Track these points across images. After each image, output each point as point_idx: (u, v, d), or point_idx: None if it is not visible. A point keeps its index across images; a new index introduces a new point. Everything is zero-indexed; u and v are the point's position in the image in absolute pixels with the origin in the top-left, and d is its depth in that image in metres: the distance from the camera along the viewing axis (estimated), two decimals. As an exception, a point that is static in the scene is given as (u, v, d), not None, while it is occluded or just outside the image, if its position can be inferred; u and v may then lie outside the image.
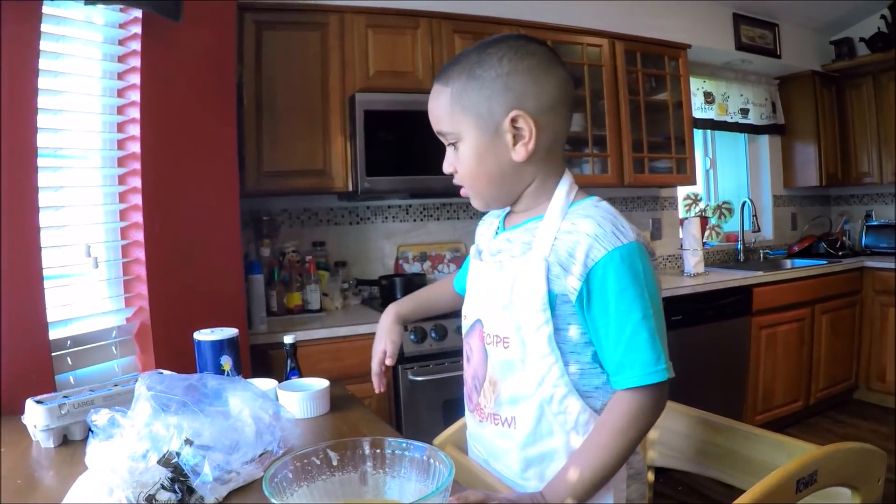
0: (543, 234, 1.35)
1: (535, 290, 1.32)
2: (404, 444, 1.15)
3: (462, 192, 1.46)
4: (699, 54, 5.19)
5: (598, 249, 1.26)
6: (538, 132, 1.32)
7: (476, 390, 1.48)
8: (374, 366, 1.78)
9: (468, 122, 1.33)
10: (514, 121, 1.31)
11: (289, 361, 2.14)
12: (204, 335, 1.95)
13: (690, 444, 1.78)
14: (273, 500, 0.94)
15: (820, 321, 5.09)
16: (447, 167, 1.42)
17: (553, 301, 1.31)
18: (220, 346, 1.95)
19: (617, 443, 1.26)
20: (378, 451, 1.17)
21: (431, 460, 1.10)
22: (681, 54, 4.88)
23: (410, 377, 3.22)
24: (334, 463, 1.15)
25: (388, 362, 1.77)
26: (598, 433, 1.28)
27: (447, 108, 1.35)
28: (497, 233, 1.53)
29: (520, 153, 1.33)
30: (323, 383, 1.95)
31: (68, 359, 2.25)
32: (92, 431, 1.36)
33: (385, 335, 1.79)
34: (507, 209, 1.52)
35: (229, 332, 1.98)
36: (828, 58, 5.98)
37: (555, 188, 1.40)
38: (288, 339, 2.17)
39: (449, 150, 1.41)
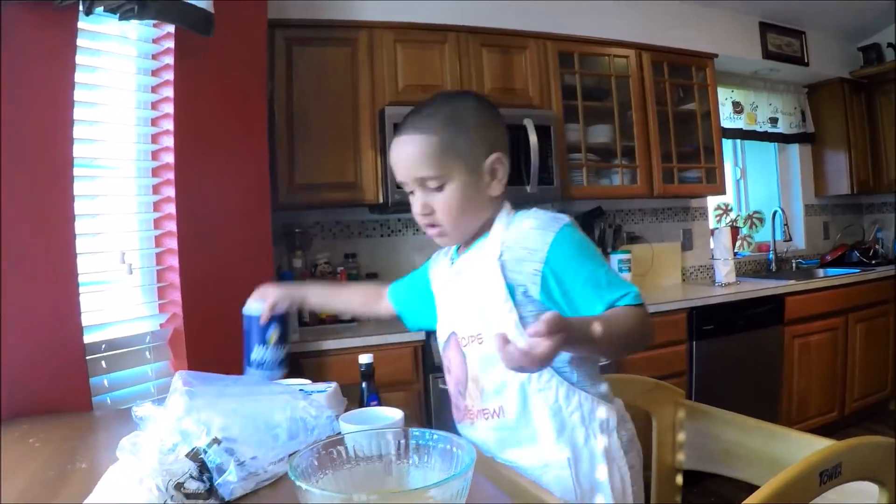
0: (492, 242, 1.55)
1: (495, 285, 1.51)
2: (427, 434, 1.18)
3: (433, 231, 1.60)
4: (727, 64, 5.18)
5: (548, 234, 1.47)
6: (506, 170, 1.57)
7: (461, 395, 1.64)
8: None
9: (458, 165, 1.51)
10: (493, 161, 1.55)
11: (365, 385, 1.91)
12: (252, 309, 1.89)
13: (718, 446, 1.79)
14: (298, 483, 0.97)
15: (854, 330, 5.03)
16: (422, 209, 1.57)
17: (512, 292, 1.50)
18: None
19: (629, 323, 1.39)
20: (402, 441, 1.19)
21: (454, 448, 1.13)
22: (708, 64, 4.89)
23: (441, 386, 3.24)
24: (359, 453, 1.17)
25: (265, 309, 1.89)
26: (613, 316, 1.39)
27: (435, 155, 1.50)
28: (453, 262, 1.70)
29: (496, 189, 1.57)
30: (396, 414, 1.56)
31: (103, 362, 2.30)
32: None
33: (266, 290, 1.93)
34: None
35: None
36: (856, 64, 5.93)
37: (498, 212, 1.60)
38: (364, 359, 1.95)
39: (422, 194, 1.56)
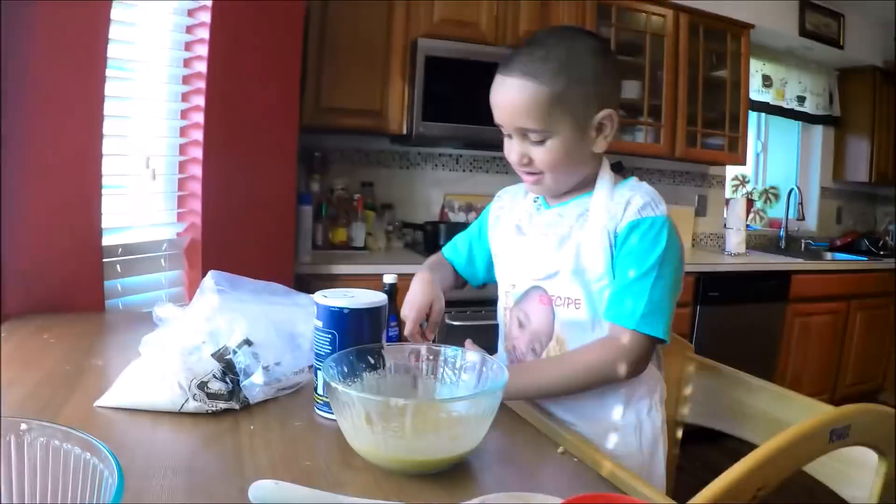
0: (598, 207, 1.46)
1: (599, 256, 1.43)
2: (459, 352, 1.19)
3: (532, 179, 1.49)
4: (762, 36, 5.13)
5: (637, 215, 1.40)
6: (615, 126, 1.44)
7: (534, 354, 1.55)
8: (409, 327, 1.58)
9: (565, 121, 1.39)
10: (603, 118, 1.42)
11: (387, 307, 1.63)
12: (334, 298, 1.23)
13: (722, 403, 1.79)
14: (334, 385, 0.97)
15: (855, 317, 5.07)
16: (519, 157, 1.45)
17: (613, 267, 1.43)
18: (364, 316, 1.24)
19: (580, 380, 1.42)
20: (432, 357, 1.20)
21: (484, 368, 1.14)
22: (744, 33, 4.85)
23: (448, 321, 3.26)
24: (388, 364, 1.18)
25: (428, 334, 1.60)
26: (571, 364, 1.44)
27: (543, 107, 1.37)
28: (540, 210, 1.61)
29: (601, 145, 1.45)
30: (378, 296, 1.28)
31: (118, 266, 2.28)
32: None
33: (426, 296, 1.61)
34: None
35: (371, 297, 1.26)
36: (891, 54, 5.86)
37: (598, 169, 1.52)
38: (389, 278, 1.91)
39: (520, 143, 1.44)
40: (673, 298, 1.41)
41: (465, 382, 1.16)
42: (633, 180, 1.51)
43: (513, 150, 1.46)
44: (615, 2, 4.24)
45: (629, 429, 1.48)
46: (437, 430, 0.98)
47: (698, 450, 1.80)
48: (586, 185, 1.51)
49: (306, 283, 3.07)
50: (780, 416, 1.63)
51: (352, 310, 1.18)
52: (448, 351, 1.20)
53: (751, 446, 1.54)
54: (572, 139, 1.41)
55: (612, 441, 1.48)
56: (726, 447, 1.58)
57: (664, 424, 1.55)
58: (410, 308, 1.59)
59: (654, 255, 1.37)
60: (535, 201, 1.63)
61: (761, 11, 4.98)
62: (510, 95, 1.40)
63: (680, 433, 1.91)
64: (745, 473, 1.10)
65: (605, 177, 1.50)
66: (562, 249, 1.48)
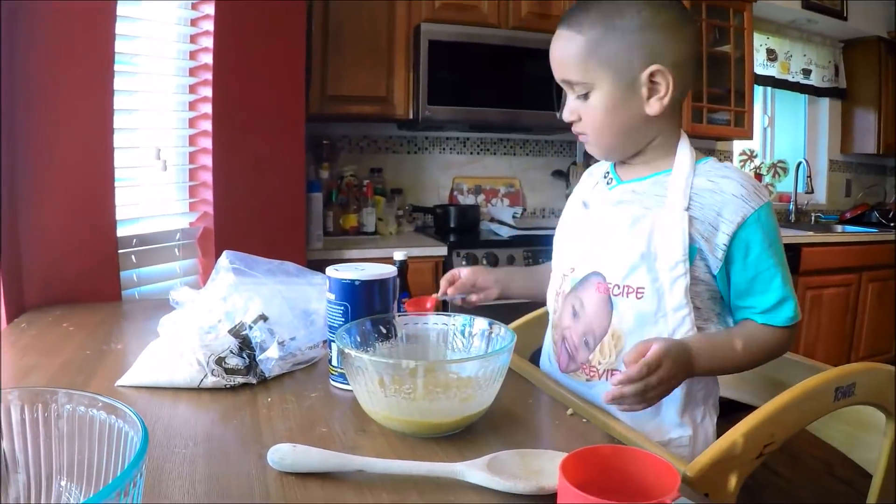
0: (677, 188, 1.35)
1: (676, 241, 1.31)
2: (468, 320, 1.21)
3: (581, 138, 1.44)
4: (765, 10, 5.12)
5: (747, 208, 1.29)
6: (674, 87, 1.31)
7: (587, 347, 1.43)
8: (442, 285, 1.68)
9: (604, 73, 1.31)
10: (652, 75, 1.30)
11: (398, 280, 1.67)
12: (345, 271, 1.26)
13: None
14: (347, 350, 1.00)
15: (866, 289, 5.07)
16: (568, 115, 1.41)
17: (692, 254, 1.32)
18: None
19: (743, 362, 1.36)
20: (442, 324, 1.23)
21: (494, 333, 1.17)
22: (746, 7, 4.83)
23: (460, 303, 3.26)
24: (399, 333, 1.22)
25: (450, 291, 1.69)
26: (747, 345, 1.34)
27: (580, 58, 1.32)
28: (611, 185, 1.50)
29: (654, 107, 1.32)
30: (388, 268, 1.32)
31: (133, 257, 2.31)
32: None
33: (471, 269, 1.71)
34: (613, 167, 1.52)
35: (381, 270, 1.30)
36: (894, 25, 5.86)
37: (676, 144, 1.40)
38: (399, 255, 1.90)
39: (570, 98, 1.39)
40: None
41: (476, 348, 1.20)
42: (714, 160, 1.41)
43: (567, 104, 1.41)
44: (617, -19, 4.21)
45: (682, 441, 1.39)
46: (447, 391, 1.01)
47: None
48: (664, 159, 1.41)
49: (318, 269, 3.07)
50: (785, 380, 1.65)
51: (363, 281, 1.22)
52: (458, 318, 1.23)
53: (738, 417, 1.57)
54: (616, 95, 1.32)
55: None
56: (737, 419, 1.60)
57: (715, 429, 1.44)
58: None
59: (778, 245, 1.34)
60: (605, 175, 1.53)
61: (764, -16, 4.97)
62: (554, 47, 1.37)
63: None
64: (752, 428, 1.14)
65: (686, 154, 1.39)
66: (633, 230, 1.36)
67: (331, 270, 1.25)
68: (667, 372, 1.18)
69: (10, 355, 1.46)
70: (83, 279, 2.08)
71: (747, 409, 1.24)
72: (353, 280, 1.21)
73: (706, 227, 1.31)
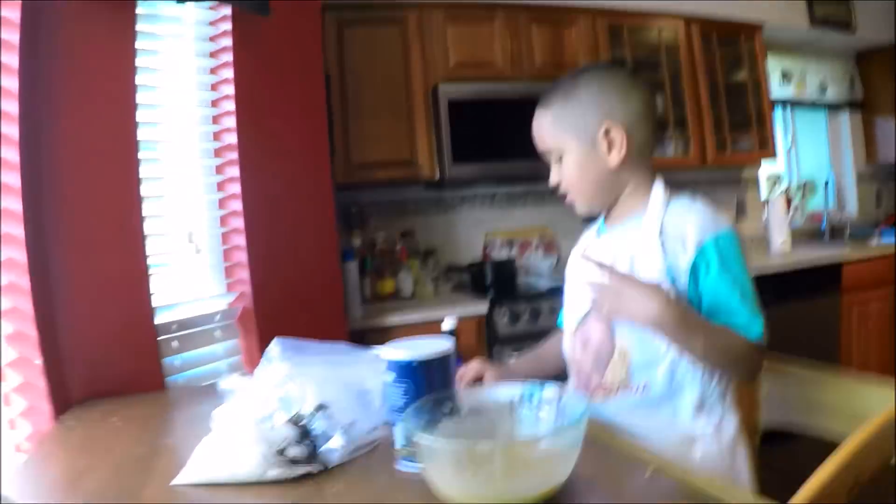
0: (650, 220, 1.53)
1: (654, 260, 1.49)
2: (534, 389, 1.19)
3: (567, 198, 1.65)
4: (774, 32, 5.10)
5: (704, 234, 1.46)
6: (628, 139, 1.53)
7: (598, 370, 1.60)
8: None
9: (569, 137, 1.55)
10: (606, 132, 1.53)
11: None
12: (401, 350, 1.25)
13: (797, 402, 1.78)
14: (420, 436, 0.98)
15: (911, 298, 4.99)
16: (553, 180, 1.63)
17: (671, 272, 1.47)
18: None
19: (717, 339, 1.42)
20: (507, 395, 1.21)
21: (562, 400, 1.14)
22: (756, 33, 4.85)
23: (507, 358, 3.25)
24: (464, 409, 1.19)
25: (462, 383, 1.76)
26: (723, 336, 1.43)
27: (550, 129, 1.58)
28: (599, 234, 1.73)
29: (614, 159, 1.54)
30: (444, 343, 1.29)
31: (174, 342, 2.30)
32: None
33: (479, 362, 1.83)
34: (602, 219, 1.72)
35: (438, 345, 1.27)
36: (906, 30, 5.84)
37: (650, 191, 1.59)
38: (447, 324, 1.93)
39: (553, 166, 1.62)
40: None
41: (545, 419, 1.17)
42: (688, 198, 1.57)
43: (552, 174, 1.64)
44: (625, 21, 4.27)
45: (707, 437, 1.50)
46: (527, 468, 0.98)
47: (781, 450, 1.80)
48: (641, 203, 1.59)
49: (361, 338, 3.09)
50: (856, 406, 1.60)
51: (421, 361, 1.20)
52: (522, 388, 1.21)
53: (832, 444, 1.54)
54: (582, 154, 1.55)
55: (692, 450, 1.48)
56: (806, 443, 1.57)
57: (741, 427, 1.55)
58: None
59: (737, 269, 1.46)
60: (595, 228, 1.76)
61: (770, 9, 4.97)
62: (533, 125, 1.63)
63: (758, 439, 1.89)
64: (837, 471, 1.10)
65: (659, 193, 1.57)
66: (618, 262, 1.55)
67: (386, 351, 1.23)
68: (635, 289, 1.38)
69: (61, 457, 1.44)
70: (126, 370, 2.07)
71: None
72: (412, 361, 1.20)
73: (674, 255, 1.48)
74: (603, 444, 1.35)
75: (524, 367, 1.98)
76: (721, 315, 1.43)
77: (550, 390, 1.18)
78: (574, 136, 1.54)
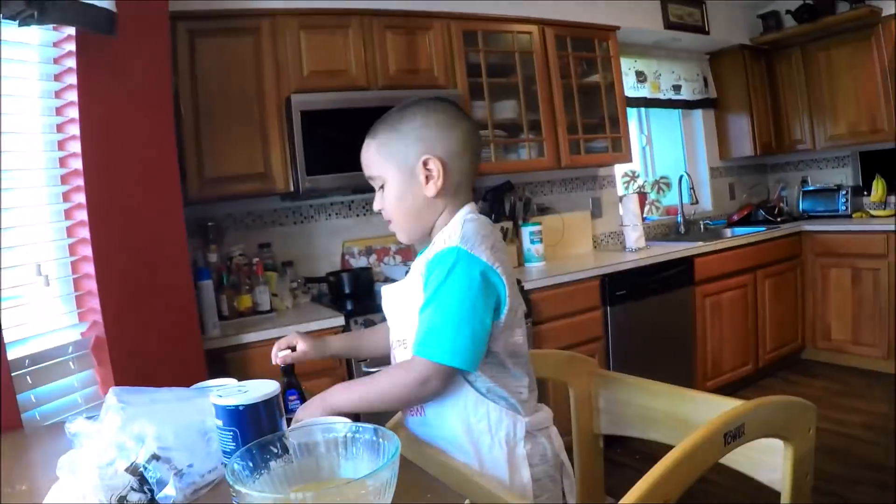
0: (428, 252, 1.62)
1: (415, 297, 1.57)
2: (354, 428, 1.21)
3: (389, 226, 1.71)
4: (629, 35, 5.24)
5: (433, 253, 1.56)
6: (445, 172, 1.58)
7: None
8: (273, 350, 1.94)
9: (391, 166, 1.61)
10: (425, 163, 1.58)
11: (286, 381, 1.87)
12: (229, 397, 1.31)
13: (632, 411, 1.89)
14: (237, 487, 0.99)
15: (763, 286, 5.24)
16: (376, 206, 1.69)
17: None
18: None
19: (375, 399, 1.59)
20: (331, 435, 1.23)
21: (380, 439, 1.17)
22: (610, 36, 4.95)
23: (365, 368, 3.25)
24: (292, 449, 1.20)
25: (278, 359, 1.92)
26: (373, 383, 1.60)
27: (374, 157, 1.63)
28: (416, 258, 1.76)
29: (431, 190, 1.59)
30: (270, 386, 1.37)
31: (28, 378, 2.25)
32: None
33: (298, 336, 1.96)
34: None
35: (265, 388, 1.35)
36: (756, 31, 6.07)
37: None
38: (280, 359, 1.90)
39: (377, 192, 1.67)
40: (458, 324, 1.47)
41: (364, 457, 1.19)
42: (460, 219, 1.62)
43: (375, 200, 1.69)
44: (480, 26, 4.31)
45: (468, 458, 1.56)
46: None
47: (638, 443, 1.88)
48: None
49: (219, 357, 3.06)
50: (684, 415, 1.75)
51: (247, 406, 1.21)
52: (345, 426, 1.23)
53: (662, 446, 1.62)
54: (401, 182, 1.61)
55: (478, 462, 1.56)
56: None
57: (516, 462, 1.57)
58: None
59: (434, 285, 1.50)
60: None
61: (625, 12, 5.11)
62: (362, 155, 1.67)
63: (601, 444, 2.00)
64: (644, 494, 1.15)
65: (455, 221, 1.62)
66: (401, 295, 1.67)
67: (214, 397, 1.24)
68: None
69: None
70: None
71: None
72: (237, 406, 1.21)
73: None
74: (420, 470, 1.40)
75: (339, 343, 2.09)
76: (420, 329, 1.51)
77: (368, 428, 1.21)
78: (395, 166, 1.60)
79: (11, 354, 2.17)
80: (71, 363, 2.43)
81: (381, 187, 1.65)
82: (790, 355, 5.56)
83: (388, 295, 1.73)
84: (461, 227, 1.56)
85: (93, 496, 1.21)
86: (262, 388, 1.26)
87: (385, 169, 1.61)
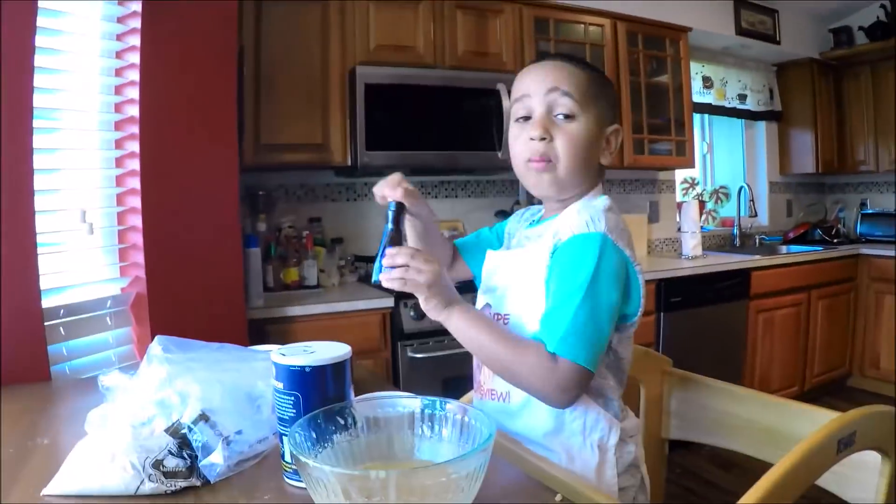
0: (556, 224, 1.44)
1: (536, 272, 1.39)
2: (435, 403, 1.09)
3: (541, 166, 1.44)
4: (699, 38, 5.16)
5: (567, 233, 1.36)
6: (618, 143, 1.51)
7: (478, 368, 1.55)
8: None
9: (594, 110, 1.43)
10: (614, 131, 1.49)
11: (391, 228, 1.46)
12: (293, 356, 1.12)
13: (708, 415, 1.77)
14: (304, 460, 0.88)
15: (816, 307, 5.11)
16: (540, 129, 1.42)
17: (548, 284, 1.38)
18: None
19: (499, 367, 1.37)
20: (406, 408, 1.11)
21: (469, 420, 1.05)
22: (682, 37, 4.86)
23: (410, 354, 3.19)
24: (359, 422, 1.09)
25: (398, 191, 1.49)
26: (507, 344, 1.34)
27: (584, 85, 1.42)
28: (530, 224, 1.64)
29: (606, 158, 1.49)
30: (342, 348, 1.18)
31: (61, 329, 2.16)
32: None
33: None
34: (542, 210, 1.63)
35: (333, 350, 1.17)
36: (826, 46, 5.95)
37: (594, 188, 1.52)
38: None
39: (544, 117, 1.43)
40: (602, 324, 1.30)
41: (447, 437, 1.07)
42: (597, 198, 1.46)
43: (534, 124, 1.43)
44: (552, 14, 4.21)
45: (556, 459, 1.40)
46: (424, 497, 0.87)
47: (676, 455, 1.76)
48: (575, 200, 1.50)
49: (261, 328, 2.98)
50: (768, 423, 1.62)
51: (314, 367, 1.09)
52: (424, 401, 1.11)
53: (732, 452, 1.50)
54: (591, 132, 1.44)
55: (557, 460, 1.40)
56: (702, 451, 1.53)
57: (605, 468, 1.42)
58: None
59: (581, 276, 1.29)
60: (529, 218, 1.67)
61: (697, 14, 5.01)
62: (548, 68, 1.44)
63: (666, 449, 1.88)
64: (760, 499, 1.05)
65: (586, 196, 1.48)
66: (512, 264, 1.51)
67: (277, 356, 1.11)
68: (427, 275, 1.33)
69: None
70: (7, 357, 1.91)
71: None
72: (304, 367, 1.08)
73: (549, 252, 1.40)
74: (508, 464, 1.27)
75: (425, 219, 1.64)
76: (546, 315, 1.32)
77: (453, 406, 1.08)
78: (597, 113, 1.44)
79: (46, 303, 2.06)
80: (108, 318, 2.33)
81: (569, 117, 1.41)
82: (836, 381, 5.44)
83: (497, 262, 1.57)
84: (603, 214, 1.37)
85: (123, 457, 1.10)
86: (332, 350, 1.13)
87: (589, 108, 1.42)
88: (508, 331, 1.40)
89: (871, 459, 1.34)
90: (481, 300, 1.57)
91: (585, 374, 1.27)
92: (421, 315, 3.21)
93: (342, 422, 1.07)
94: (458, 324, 1.36)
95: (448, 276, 1.46)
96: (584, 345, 1.26)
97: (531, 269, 1.41)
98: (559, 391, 1.27)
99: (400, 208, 1.49)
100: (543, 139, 1.42)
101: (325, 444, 1.04)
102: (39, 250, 2.02)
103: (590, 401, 1.39)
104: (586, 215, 1.37)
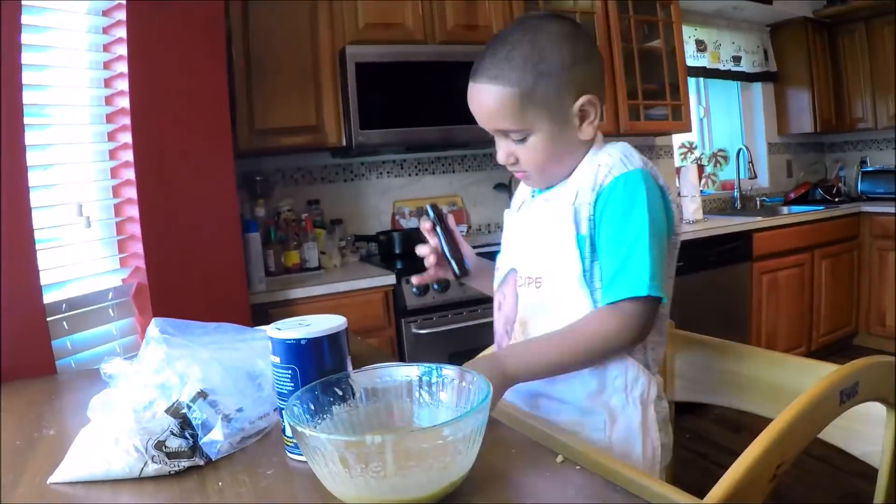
0: (571, 181, 1.41)
1: (564, 232, 1.36)
2: (433, 369, 1.09)
3: (520, 175, 1.48)
4: (690, 2, 5.13)
5: (608, 176, 1.33)
6: (600, 108, 1.39)
7: (507, 335, 1.51)
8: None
9: (541, 116, 1.35)
10: (583, 105, 1.36)
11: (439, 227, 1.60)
12: (289, 329, 1.12)
13: (713, 376, 1.75)
14: (301, 429, 0.88)
15: (820, 266, 5.12)
16: (505, 158, 1.43)
17: (581, 242, 1.35)
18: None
19: (577, 357, 1.33)
20: (404, 376, 1.11)
21: (464, 383, 1.05)
22: (673, 1, 4.81)
23: (414, 331, 3.19)
24: (358, 393, 1.09)
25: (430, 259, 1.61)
26: (565, 339, 1.33)
27: (515, 108, 1.34)
28: (534, 195, 1.56)
29: (587, 132, 1.39)
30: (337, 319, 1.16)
31: (64, 323, 2.16)
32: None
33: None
34: None
35: (329, 322, 1.15)
36: (820, 4, 5.88)
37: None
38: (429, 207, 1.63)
39: (505, 143, 1.42)
40: (654, 251, 1.28)
41: (445, 402, 1.07)
42: (609, 144, 1.43)
43: (499, 149, 1.44)
44: (541, -16, 4.17)
45: (596, 425, 1.39)
46: (422, 462, 0.88)
47: (682, 420, 1.74)
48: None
49: (264, 312, 2.99)
50: (773, 380, 1.59)
51: (310, 340, 1.08)
52: (420, 368, 1.11)
53: (738, 412, 1.49)
54: (554, 132, 1.37)
55: (580, 435, 1.37)
56: (710, 414, 1.52)
57: (648, 424, 1.41)
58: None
59: (633, 215, 1.29)
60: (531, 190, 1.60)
61: (687, -23, 4.96)
62: (481, 101, 1.39)
63: (673, 412, 1.87)
64: (763, 453, 1.06)
65: (591, 151, 1.43)
66: (533, 228, 1.47)
67: (272, 330, 1.11)
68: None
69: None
70: (11, 353, 1.91)
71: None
72: (299, 339, 1.08)
73: (583, 206, 1.36)
74: (507, 427, 1.27)
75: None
76: (616, 264, 1.29)
77: (451, 371, 1.08)
78: (547, 114, 1.35)
79: (48, 298, 2.07)
80: (110, 310, 2.33)
81: (523, 139, 1.38)
82: (842, 340, 5.44)
83: (519, 223, 1.54)
84: (620, 153, 1.35)
85: (126, 440, 1.10)
86: (327, 322, 1.13)
87: (534, 121, 1.35)
88: (553, 332, 1.35)
89: (876, 412, 1.34)
90: (506, 264, 1.55)
91: (652, 304, 1.30)
92: (423, 291, 3.22)
93: (340, 393, 1.07)
94: (524, 375, 1.33)
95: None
96: (641, 276, 1.26)
97: (558, 225, 1.38)
98: (637, 329, 1.30)
99: (438, 211, 1.59)
100: (512, 163, 1.44)
101: (324, 416, 1.04)
102: (38, 246, 2.02)
103: (626, 355, 1.38)
104: (617, 154, 1.36)
